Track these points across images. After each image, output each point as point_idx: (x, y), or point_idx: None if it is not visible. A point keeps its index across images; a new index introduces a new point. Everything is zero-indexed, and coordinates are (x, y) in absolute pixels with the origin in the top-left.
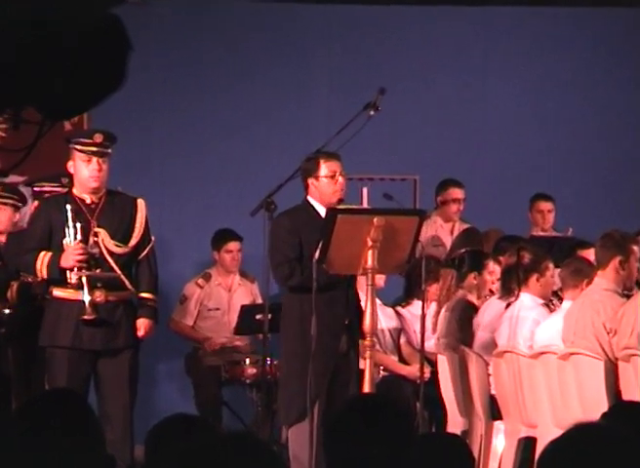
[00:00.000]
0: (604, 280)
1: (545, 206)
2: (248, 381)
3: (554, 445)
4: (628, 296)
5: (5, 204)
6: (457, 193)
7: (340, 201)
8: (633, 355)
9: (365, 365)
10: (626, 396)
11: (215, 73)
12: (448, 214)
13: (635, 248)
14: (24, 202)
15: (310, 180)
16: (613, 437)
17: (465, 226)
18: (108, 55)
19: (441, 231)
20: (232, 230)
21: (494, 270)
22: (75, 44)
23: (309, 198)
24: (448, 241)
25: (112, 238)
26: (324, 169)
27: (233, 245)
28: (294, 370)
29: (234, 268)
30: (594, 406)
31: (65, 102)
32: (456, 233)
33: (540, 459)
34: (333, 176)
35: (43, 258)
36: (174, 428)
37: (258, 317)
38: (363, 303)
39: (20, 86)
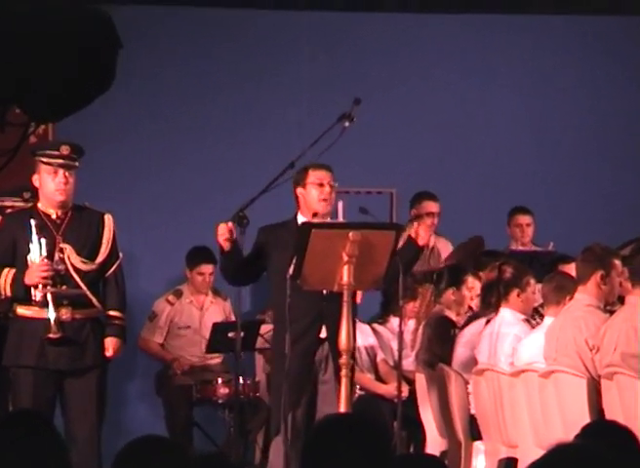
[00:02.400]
0: (585, 295)
1: (524, 219)
2: (220, 401)
3: (535, 466)
4: (611, 312)
5: None
6: (431, 206)
7: (315, 215)
8: (616, 373)
9: (341, 383)
10: (609, 415)
11: (185, 85)
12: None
13: (617, 262)
14: None
15: (299, 190)
16: (593, 457)
17: (441, 240)
18: (98, 53)
19: None
20: (208, 250)
21: (473, 286)
22: (63, 43)
23: (298, 213)
24: (425, 254)
25: (78, 254)
26: (311, 177)
27: (206, 267)
28: (274, 385)
29: (204, 290)
30: (576, 425)
31: (53, 103)
32: (431, 246)
33: None
34: (320, 185)
35: (6, 275)
36: (142, 450)
37: (230, 335)
38: None
39: (6, 86)
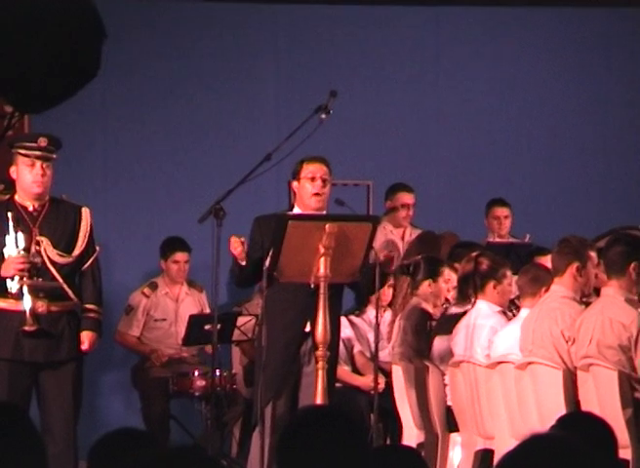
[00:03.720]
0: (561, 287)
1: (502, 211)
2: (197, 394)
3: (509, 456)
4: (587, 304)
5: None
6: (406, 198)
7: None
8: (592, 364)
9: (317, 375)
10: (585, 406)
11: (160, 77)
12: (398, 219)
13: (593, 253)
14: None
15: (294, 184)
16: (568, 448)
17: (417, 232)
18: (82, 42)
19: (392, 237)
20: (182, 239)
21: (450, 278)
22: (48, 32)
23: (295, 206)
24: (402, 247)
25: (55, 247)
26: (305, 170)
27: (180, 255)
28: (257, 379)
29: (180, 279)
30: (552, 417)
31: (39, 93)
32: (407, 239)
33: None
34: (312, 178)
35: None
36: (117, 443)
37: (206, 327)
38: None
39: None
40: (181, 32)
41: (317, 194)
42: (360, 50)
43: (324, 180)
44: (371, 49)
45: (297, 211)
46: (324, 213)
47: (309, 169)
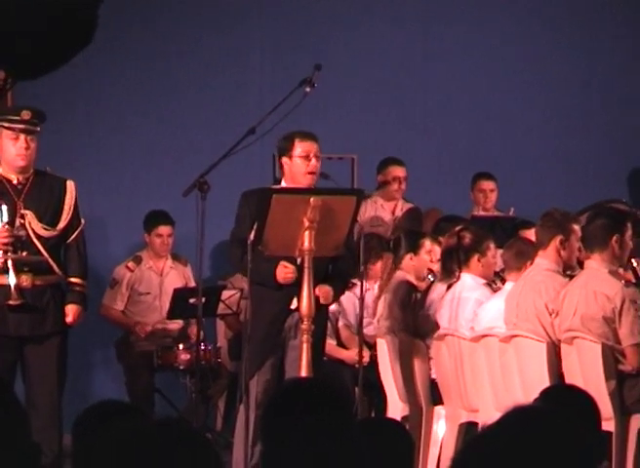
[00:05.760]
0: (545, 260)
1: (487, 185)
2: (181, 367)
3: (490, 428)
4: (570, 277)
5: None
6: (398, 171)
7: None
8: (576, 337)
9: (302, 349)
10: (569, 379)
11: (145, 48)
12: (390, 192)
13: (576, 227)
14: None
15: (284, 160)
16: (550, 420)
17: (409, 206)
18: (78, 5)
19: (382, 211)
20: (165, 212)
21: (432, 249)
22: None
23: (282, 181)
24: (390, 221)
25: (40, 220)
26: (298, 148)
27: (164, 229)
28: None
29: (164, 253)
30: (536, 389)
31: (34, 58)
32: (398, 213)
33: (470, 444)
34: (306, 157)
35: None
36: (101, 415)
37: (191, 301)
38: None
39: None
40: (165, 6)
41: (311, 172)
42: (345, 23)
43: (317, 158)
44: (356, 22)
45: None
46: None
47: (302, 147)
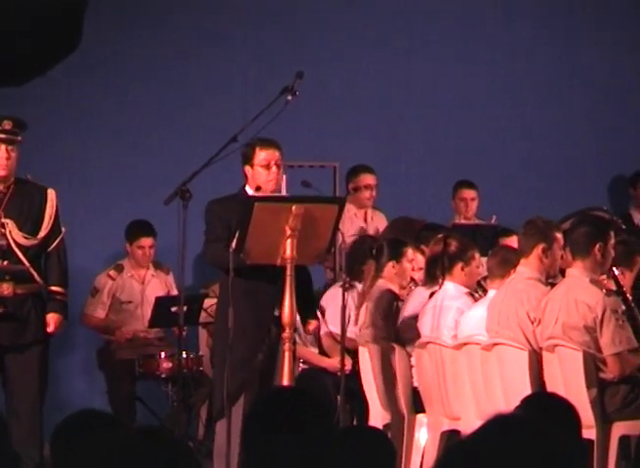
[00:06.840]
0: (527, 268)
1: (469, 194)
2: (163, 376)
3: (471, 436)
4: (552, 285)
5: None
6: (368, 179)
7: (258, 189)
8: (557, 345)
9: (284, 357)
10: (551, 387)
11: (128, 56)
12: (360, 200)
13: (559, 235)
14: None
15: (246, 168)
16: (530, 428)
17: (378, 214)
18: (63, 10)
19: (355, 219)
20: (147, 223)
21: (414, 257)
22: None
23: (246, 187)
24: (364, 229)
25: (20, 229)
26: (259, 156)
27: (145, 241)
28: (217, 364)
29: (145, 264)
30: (518, 397)
31: (19, 64)
32: (369, 221)
33: (450, 452)
34: (267, 165)
35: None
36: (80, 424)
37: (173, 309)
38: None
39: None
40: (152, 9)
41: (272, 180)
42: (328, 31)
43: (278, 166)
44: (339, 31)
45: (250, 191)
46: (283, 193)
47: (264, 156)
